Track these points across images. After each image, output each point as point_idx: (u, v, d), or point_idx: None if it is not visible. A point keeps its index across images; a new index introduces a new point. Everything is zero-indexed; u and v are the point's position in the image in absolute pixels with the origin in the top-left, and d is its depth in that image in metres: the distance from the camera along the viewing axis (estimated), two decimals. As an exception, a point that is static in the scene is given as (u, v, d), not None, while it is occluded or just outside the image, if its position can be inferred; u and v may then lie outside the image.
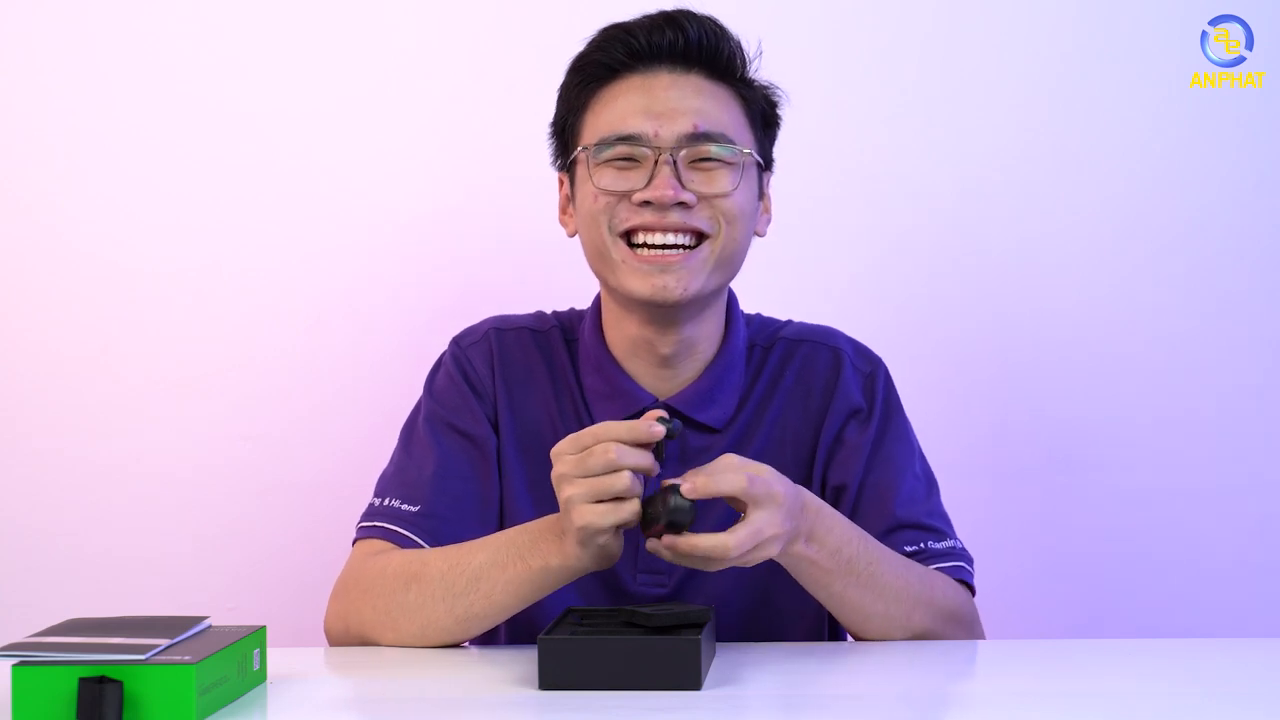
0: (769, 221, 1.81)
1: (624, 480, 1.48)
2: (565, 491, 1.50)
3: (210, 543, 2.38)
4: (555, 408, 1.81)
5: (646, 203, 1.69)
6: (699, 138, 1.70)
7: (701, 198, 1.70)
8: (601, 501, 1.49)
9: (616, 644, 1.43)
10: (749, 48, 1.77)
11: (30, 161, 2.37)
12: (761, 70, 1.79)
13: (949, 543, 1.76)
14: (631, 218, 1.70)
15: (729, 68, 1.75)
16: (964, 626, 1.71)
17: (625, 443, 1.49)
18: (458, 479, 1.77)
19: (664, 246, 1.70)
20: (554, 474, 1.52)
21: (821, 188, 2.37)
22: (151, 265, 2.37)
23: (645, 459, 1.50)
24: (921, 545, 1.74)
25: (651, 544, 1.52)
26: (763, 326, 1.87)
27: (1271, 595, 2.40)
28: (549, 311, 1.89)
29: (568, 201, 1.78)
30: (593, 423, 1.79)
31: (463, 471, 1.77)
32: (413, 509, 1.74)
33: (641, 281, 1.71)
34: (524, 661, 1.54)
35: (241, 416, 2.38)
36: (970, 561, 1.77)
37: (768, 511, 1.50)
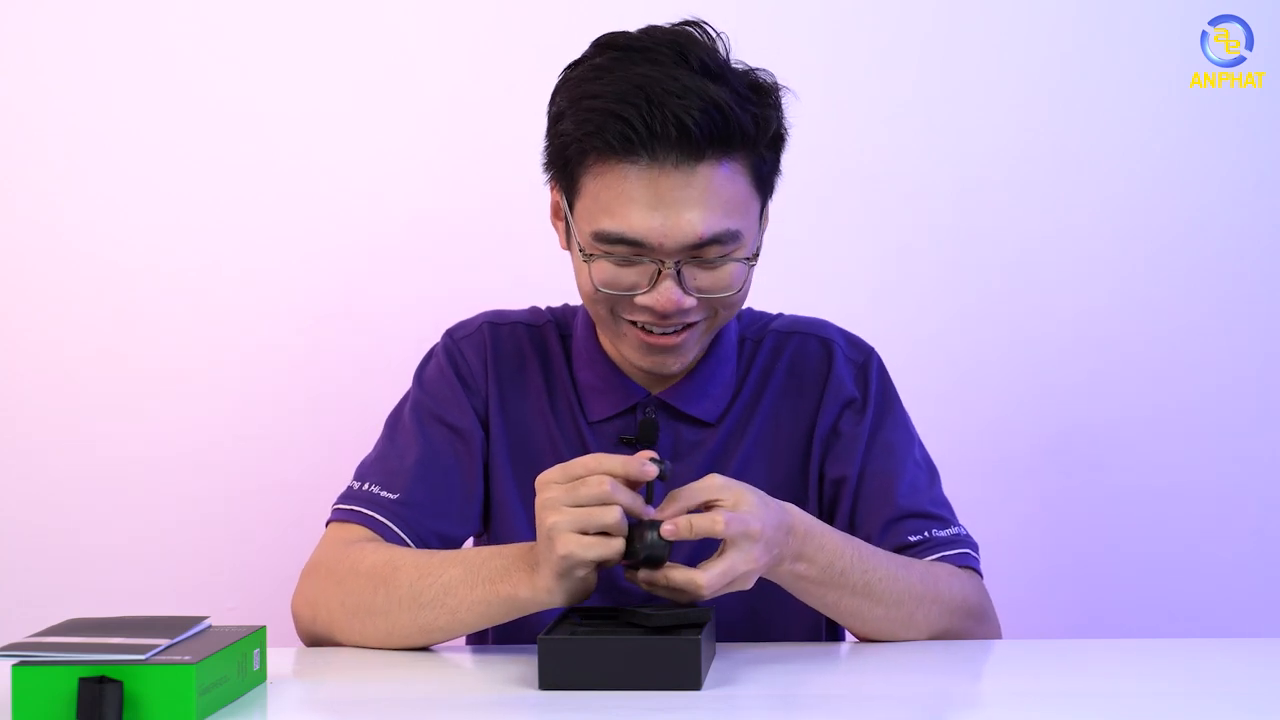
0: (764, 232, 1.79)
1: (614, 515, 1.45)
2: (550, 519, 1.46)
3: (210, 542, 2.38)
4: (548, 402, 1.81)
5: (646, 306, 1.66)
6: (706, 243, 1.63)
7: (703, 301, 1.66)
8: (587, 534, 1.46)
9: (616, 644, 1.43)
10: (745, 55, 1.68)
11: (29, 161, 2.37)
12: (767, 75, 1.69)
13: (953, 530, 1.75)
14: (633, 313, 1.67)
15: (741, 145, 1.64)
16: (974, 616, 1.70)
17: (618, 477, 1.46)
18: (440, 470, 1.75)
19: (663, 333, 1.69)
20: (539, 501, 1.48)
21: (821, 188, 2.37)
22: (151, 265, 2.37)
23: (637, 500, 1.48)
24: (926, 534, 1.73)
25: (629, 575, 1.51)
26: (753, 320, 1.86)
27: (1271, 595, 2.40)
28: (544, 307, 1.88)
29: (559, 208, 1.74)
30: (585, 418, 1.79)
31: (446, 463, 1.76)
32: (391, 496, 1.72)
33: (641, 357, 1.71)
34: (524, 661, 1.54)
35: (242, 416, 2.38)
36: (975, 548, 1.76)
37: (742, 551, 1.48)
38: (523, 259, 2.35)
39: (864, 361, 1.83)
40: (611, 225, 1.63)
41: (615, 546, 1.46)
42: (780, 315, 1.88)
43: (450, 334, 1.86)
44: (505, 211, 2.37)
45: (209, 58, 2.37)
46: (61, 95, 2.37)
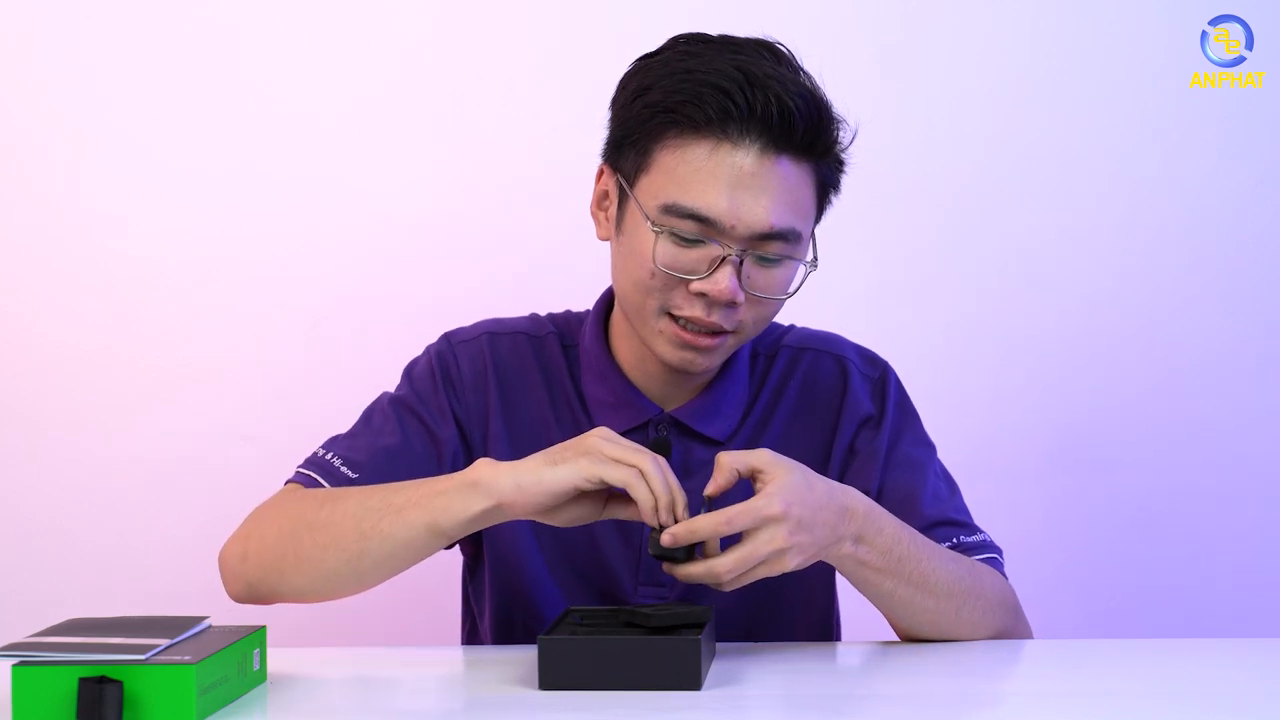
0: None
1: (633, 476, 1.47)
2: (590, 441, 1.49)
3: (211, 542, 2.36)
4: (551, 415, 1.78)
5: (701, 293, 1.64)
6: (771, 236, 1.63)
7: (752, 299, 1.65)
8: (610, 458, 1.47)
9: (616, 644, 1.43)
10: (837, 109, 1.68)
11: (30, 161, 2.37)
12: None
13: (979, 536, 1.75)
14: (684, 307, 1.65)
15: (823, 151, 1.67)
16: (1011, 614, 1.70)
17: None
18: (406, 465, 1.72)
19: (698, 332, 1.67)
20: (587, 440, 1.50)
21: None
22: (152, 266, 2.37)
23: (645, 501, 1.48)
24: (955, 540, 1.72)
25: (667, 568, 1.51)
26: (764, 333, 1.82)
27: (1271, 595, 2.40)
28: (544, 315, 1.84)
29: (604, 198, 1.71)
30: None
31: (414, 460, 1.73)
32: (351, 475, 1.69)
33: (671, 352, 1.68)
34: (524, 661, 1.54)
35: (242, 416, 2.38)
36: (1000, 553, 1.75)
37: (762, 535, 1.47)
38: (524, 260, 2.35)
39: (880, 377, 1.81)
40: (685, 200, 1.62)
41: (618, 475, 1.47)
42: (792, 328, 1.85)
43: (448, 337, 1.82)
44: (507, 213, 2.37)
45: (212, 58, 2.37)
46: (63, 95, 2.37)
